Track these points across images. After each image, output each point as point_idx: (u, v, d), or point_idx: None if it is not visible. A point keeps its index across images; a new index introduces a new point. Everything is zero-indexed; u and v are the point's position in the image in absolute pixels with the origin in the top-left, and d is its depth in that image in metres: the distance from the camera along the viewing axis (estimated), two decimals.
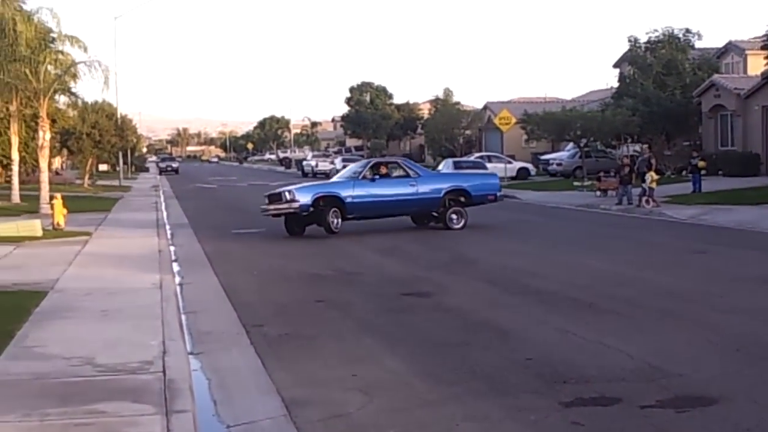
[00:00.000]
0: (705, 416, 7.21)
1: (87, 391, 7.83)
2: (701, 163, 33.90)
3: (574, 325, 10.70)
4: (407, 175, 23.71)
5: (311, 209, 22.17)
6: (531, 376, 8.51)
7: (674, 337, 10.08)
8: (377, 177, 23.20)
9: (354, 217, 22.87)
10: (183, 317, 11.97)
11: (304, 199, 22.07)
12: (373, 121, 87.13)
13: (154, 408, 7.26)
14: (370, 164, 24.62)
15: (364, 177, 23.21)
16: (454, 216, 23.45)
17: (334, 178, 26.10)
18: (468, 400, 7.82)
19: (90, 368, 8.67)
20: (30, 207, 30.71)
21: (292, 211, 22.28)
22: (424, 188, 23.43)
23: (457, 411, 7.51)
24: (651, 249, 19.26)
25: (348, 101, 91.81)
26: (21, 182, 35.58)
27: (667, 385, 8.05)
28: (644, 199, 29.50)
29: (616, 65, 55.29)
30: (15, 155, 33.85)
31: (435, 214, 23.66)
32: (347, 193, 22.53)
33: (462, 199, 23.94)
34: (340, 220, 22.25)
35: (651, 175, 29.75)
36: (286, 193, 22.50)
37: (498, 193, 25.18)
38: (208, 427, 7.32)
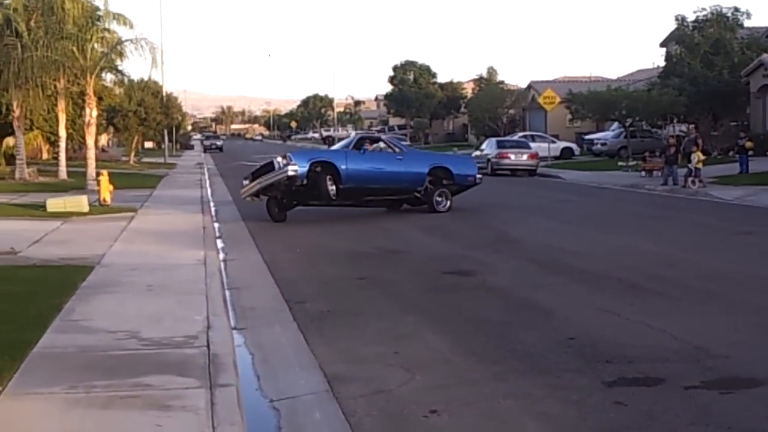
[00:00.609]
0: (749, 398, 7.15)
1: (132, 365, 7.94)
2: (748, 144, 33.39)
3: (617, 305, 10.64)
4: (393, 151, 22.85)
5: (306, 180, 20.48)
6: (573, 356, 8.48)
7: (719, 319, 9.98)
8: (365, 151, 22.03)
9: (345, 190, 21.09)
10: (227, 293, 12.09)
11: (301, 164, 20.44)
12: (417, 99, 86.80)
13: (198, 382, 7.34)
14: (357, 138, 23.99)
15: (354, 148, 22.16)
16: (439, 198, 22.54)
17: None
18: (510, 378, 7.82)
19: (135, 342, 8.79)
20: (77, 183, 31.07)
21: (286, 179, 20.39)
22: (410, 164, 22.39)
23: (499, 389, 7.51)
24: (696, 230, 19.06)
25: (391, 80, 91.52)
26: (68, 159, 36.00)
27: (711, 366, 7.98)
28: (690, 179, 29.19)
29: (663, 44, 54.59)
30: (62, 132, 34.23)
31: (418, 195, 22.64)
32: (341, 162, 21.11)
33: (444, 180, 22.91)
34: (335, 188, 20.83)
35: (697, 155, 29.42)
36: (280, 159, 20.74)
37: (477, 176, 23.99)
38: (251, 401, 7.38)
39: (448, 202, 22.58)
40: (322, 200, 20.91)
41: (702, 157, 29.90)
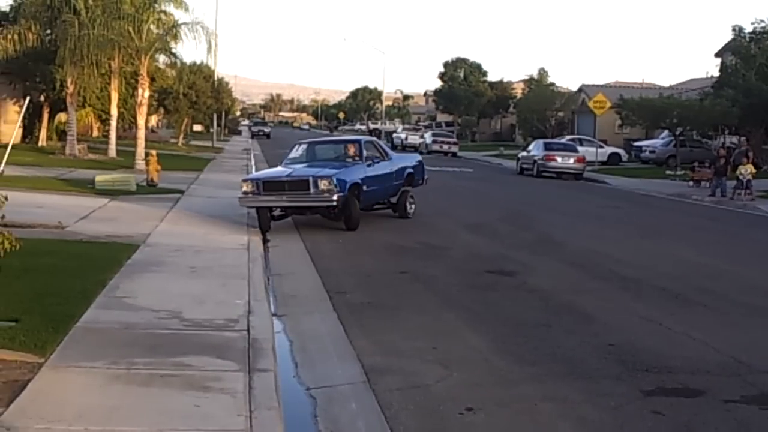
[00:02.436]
0: None
1: (173, 344, 8.03)
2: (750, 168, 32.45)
3: (659, 315, 10.54)
4: (383, 157, 20.08)
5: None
6: (613, 362, 8.42)
7: (762, 334, 9.87)
8: (372, 164, 19.14)
9: (361, 209, 18.41)
10: (269, 279, 12.16)
11: (343, 190, 17.23)
12: (466, 97, 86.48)
13: (237, 365, 7.41)
14: (348, 146, 20.05)
15: (355, 160, 18.97)
16: (408, 203, 20.39)
17: (297, 164, 19.24)
18: (547, 381, 7.79)
19: (177, 322, 8.88)
20: (125, 162, 31.41)
21: (325, 208, 17.51)
22: (395, 169, 20.22)
23: (536, 391, 7.48)
24: (743, 243, 18.83)
25: (441, 76, 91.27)
26: (118, 138, 36.36)
27: (752, 381, 7.89)
28: (741, 191, 28.91)
29: (717, 54, 53.87)
30: (114, 111, 34.59)
31: (393, 200, 20.16)
32: (363, 181, 18.25)
33: (410, 184, 20.90)
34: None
35: (749, 167, 29.09)
36: (321, 182, 17.07)
37: (425, 177, 22.05)
38: (288, 387, 7.43)
39: (413, 207, 20.57)
40: (348, 223, 17.67)
41: (753, 170, 29.53)
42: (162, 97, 50.97)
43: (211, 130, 64.50)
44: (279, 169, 19.24)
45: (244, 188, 17.48)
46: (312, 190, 17.05)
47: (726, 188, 30.04)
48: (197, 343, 8.08)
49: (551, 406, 7.13)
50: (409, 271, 13.35)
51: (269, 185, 17.42)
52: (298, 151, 20.03)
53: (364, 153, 19.21)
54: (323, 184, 17.01)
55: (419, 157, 23.14)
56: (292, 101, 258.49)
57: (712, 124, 45.52)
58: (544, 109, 67.92)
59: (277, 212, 18.08)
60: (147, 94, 32.20)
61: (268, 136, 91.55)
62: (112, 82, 34.29)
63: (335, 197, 16.92)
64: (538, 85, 77.02)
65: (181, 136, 55.79)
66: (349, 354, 8.62)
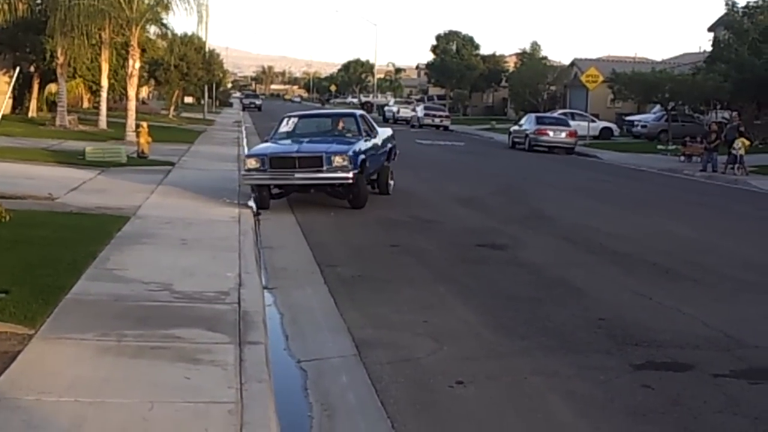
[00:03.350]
0: None
1: (163, 316, 8.01)
2: (745, 143, 32.40)
3: (649, 289, 10.57)
4: (371, 130, 19.26)
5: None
6: (603, 336, 8.45)
7: (752, 309, 9.89)
8: (369, 139, 18.42)
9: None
10: (259, 252, 12.14)
11: (356, 167, 16.42)
12: (458, 71, 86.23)
13: (228, 337, 7.40)
14: (343, 119, 19.63)
15: (354, 135, 18.24)
16: (389, 179, 19.68)
17: (290, 138, 18.44)
18: (538, 354, 7.81)
19: (167, 294, 8.86)
20: (116, 134, 31.29)
21: (339, 185, 16.63)
22: (382, 143, 19.55)
23: (526, 365, 7.50)
24: (733, 218, 18.88)
25: (434, 49, 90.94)
26: (108, 109, 36.23)
27: (741, 355, 7.93)
28: (734, 166, 28.99)
29: (710, 29, 53.80)
30: (104, 82, 34.42)
31: (373, 176, 18.83)
32: (366, 157, 17.22)
33: (388, 158, 20.15)
34: None
35: (742, 141, 29.16)
36: (335, 158, 16.23)
37: (397, 152, 21.26)
38: (279, 360, 7.43)
39: (393, 182, 19.88)
40: (356, 201, 16.84)
41: (746, 143, 29.59)
42: (153, 68, 50.73)
43: (202, 102, 64.36)
44: (281, 144, 17.83)
45: (249, 164, 16.47)
46: (325, 166, 16.16)
47: (717, 163, 30.09)
48: (188, 316, 8.06)
49: (541, 379, 7.15)
50: (400, 245, 13.35)
51: (278, 161, 16.37)
52: (288, 125, 19.06)
53: (362, 127, 18.66)
54: (338, 161, 16.18)
55: (391, 131, 22.32)
56: (283, 73, 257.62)
57: (704, 99, 45.55)
58: (537, 83, 67.82)
59: (275, 190, 17.10)
60: (138, 65, 32.05)
61: (259, 108, 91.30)
62: (102, 53, 34.09)
63: (351, 174, 16.16)
64: (530, 58, 76.81)
65: (172, 108, 55.57)
66: (339, 327, 8.62)
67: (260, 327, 7.87)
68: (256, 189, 16.60)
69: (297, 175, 16.37)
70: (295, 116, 19.82)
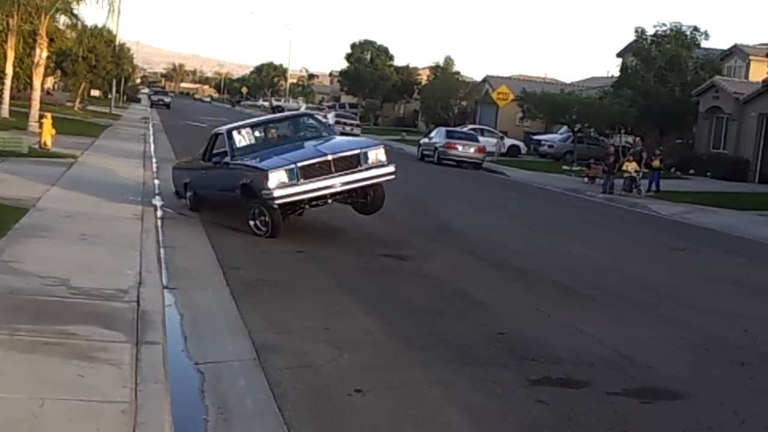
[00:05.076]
0: (668, 409, 7.27)
1: (59, 312, 7.81)
2: (656, 164, 33.24)
3: (549, 306, 10.74)
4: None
5: None
6: (501, 351, 8.54)
7: (647, 330, 10.13)
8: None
9: None
10: (161, 250, 11.94)
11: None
12: (371, 80, 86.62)
13: (124, 336, 7.25)
14: (305, 120, 18.02)
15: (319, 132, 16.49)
16: None
17: (258, 151, 15.27)
18: (437, 366, 7.86)
19: (64, 289, 8.64)
20: (18, 123, 30.47)
21: (384, 181, 15.07)
22: None
23: (426, 376, 7.54)
24: (632, 241, 19.33)
25: (348, 57, 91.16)
26: (11, 98, 35.24)
27: (634, 375, 8.10)
28: (634, 188, 29.90)
29: (619, 54, 55.14)
30: (9, 70, 33.48)
31: None
32: None
33: None
34: None
35: (633, 165, 30.26)
36: (371, 152, 14.70)
37: None
38: (176, 361, 7.31)
39: None
40: (375, 203, 15.52)
41: (637, 167, 30.54)
42: (60, 59, 49.68)
43: (110, 96, 63.22)
44: (276, 156, 14.56)
45: (276, 180, 13.68)
46: (363, 164, 14.44)
47: (613, 186, 30.86)
48: (84, 312, 7.87)
49: (439, 390, 7.19)
50: (305, 251, 13.29)
51: (310, 169, 13.98)
52: (246, 139, 15.68)
53: (325, 127, 17.31)
54: (374, 156, 14.67)
55: None
56: (194, 72, 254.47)
57: (609, 123, 46.65)
58: (448, 97, 68.52)
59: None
60: (45, 54, 31.35)
61: (168, 106, 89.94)
62: (8, 40, 33.16)
63: (393, 167, 14.89)
64: (443, 72, 77.56)
65: (78, 100, 54.49)
66: (240, 330, 8.53)
67: (158, 327, 7.73)
68: (268, 212, 14.00)
69: (337, 180, 14.15)
70: (245, 127, 16.36)
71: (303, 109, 78.33)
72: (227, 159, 15.35)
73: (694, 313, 11.26)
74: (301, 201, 14.26)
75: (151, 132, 40.74)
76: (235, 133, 15.71)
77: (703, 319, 10.95)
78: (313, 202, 14.66)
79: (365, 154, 14.56)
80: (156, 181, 20.36)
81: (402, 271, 12.43)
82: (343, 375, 7.34)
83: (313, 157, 14.28)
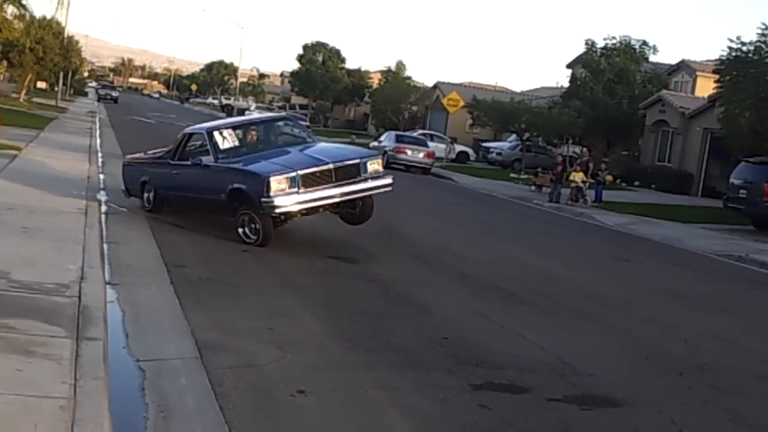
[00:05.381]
0: (607, 417, 7.34)
1: None
2: (608, 178, 33.45)
3: (494, 312, 10.79)
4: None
5: None
6: (445, 355, 8.56)
7: (589, 338, 10.22)
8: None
9: None
10: (105, 246, 11.80)
11: None
12: (322, 82, 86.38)
13: (65, 331, 7.14)
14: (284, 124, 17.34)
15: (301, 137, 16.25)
16: None
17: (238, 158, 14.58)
18: (381, 369, 7.85)
19: (4, 282, 8.50)
20: None
21: (380, 192, 14.87)
22: None
23: (369, 378, 7.53)
24: (577, 250, 19.50)
25: (300, 58, 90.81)
26: None
27: (575, 382, 8.16)
28: (580, 198, 30.18)
29: (569, 66, 55.72)
30: None
31: None
32: None
33: None
34: None
35: (579, 175, 30.55)
36: (370, 163, 14.46)
37: None
38: (117, 358, 7.23)
39: None
40: (364, 213, 15.28)
41: (584, 178, 30.87)
42: (6, 49, 48.85)
43: (57, 88, 62.36)
44: (268, 161, 14.07)
45: (277, 187, 13.17)
46: (362, 174, 14.15)
47: (559, 195, 31.12)
48: (24, 306, 7.74)
49: (382, 393, 7.19)
50: (250, 250, 13.22)
51: (311, 178, 13.54)
52: (229, 140, 14.93)
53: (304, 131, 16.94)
54: (373, 166, 14.39)
55: None
56: (143, 67, 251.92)
57: (558, 133, 47.08)
58: (399, 101, 68.54)
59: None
60: None
61: (115, 100, 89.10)
62: None
63: (390, 179, 14.70)
64: (394, 77, 77.68)
65: (24, 92, 53.67)
66: (183, 328, 8.46)
67: (100, 323, 7.63)
68: (260, 219, 13.47)
69: (337, 191, 13.82)
70: (228, 128, 15.59)
71: (253, 109, 78.04)
72: (208, 161, 14.56)
73: (635, 323, 11.39)
74: (300, 211, 13.80)
75: (97, 126, 40.27)
76: (216, 133, 14.96)
77: (644, 329, 11.07)
78: (305, 212, 14.14)
79: (364, 164, 14.22)
80: (101, 176, 20.14)
81: (348, 274, 12.41)
82: (286, 376, 7.31)
83: (314, 165, 13.78)
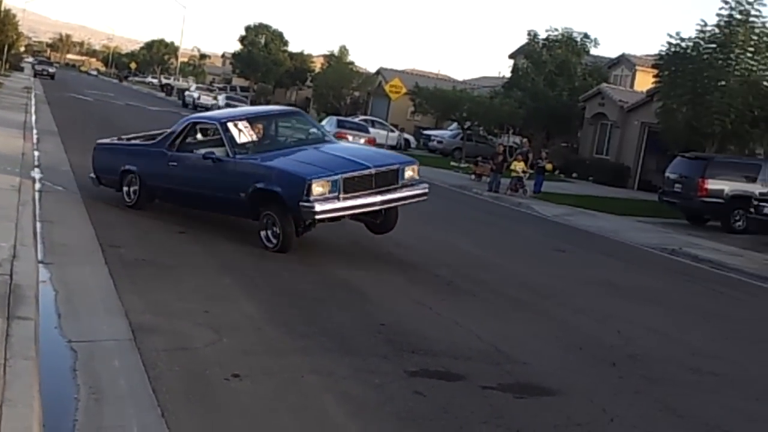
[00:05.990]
0: (541, 405, 7.41)
1: None
2: (549, 166, 33.80)
3: (431, 300, 10.83)
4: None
5: None
6: (381, 341, 8.57)
7: (524, 327, 10.31)
8: None
9: None
10: (38, 225, 11.60)
11: None
12: (264, 64, 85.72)
13: None
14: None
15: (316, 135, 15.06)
16: None
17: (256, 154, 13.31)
18: (316, 354, 7.84)
19: None
20: None
21: (418, 201, 14.04)
22: None
23: (304, 363, 7.51)
24: (515, 240, 19.67)
25: (242, 40, 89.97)
26: None
27: (510, 370, 8.23)
28: (519, 189, 30.43)
29: (512, 56, 56.05)
30: None
31: None
32: None
33: None
34: None
35: (520, 165, 30.82)
36: (408, 170, 13.56)
37: None
38: (48, 338, 7.12)
39: None
40: (388, 222, 14.17)
41: (524, 168, 31.13)
42: None
43: None
44: (309, 160, 13.01)
45: (320, 189, 12.13)
46: (400, 181, 13.17)
47: (499, 185, 31.33)
48: None
49: (317, 378, 7.17)
50: (187, 232, 13.11)
51: (351, 183, 12.46)
52: (245, 134, 13.57)
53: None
54: (410, 173, 13.46)
55: None
56: (82, 44, 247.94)
57: (499, 122, 47.36)
58: (341, 86, 68.39)
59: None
60: None
61: (52, 77, 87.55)
62: None
63: (426, 187, 13.88)
64: (337, 62, 77.35)
65: None
66: (117, 310, 8.35)
67: (32, 302, 7.51)
68: (282, 223, 12.44)
69: (378, 198, 12.80)
70: (242, 119, 14.02)
71: (193, 89, 77.20)
72: (225, 155, 13.28)
73: (570, 313, 11.52)
74: (337, 218, 12.90)
75: (33, 102, 39.54)
76: (231, 125, 13.59)
77: (578, 319, 11.21)
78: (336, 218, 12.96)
79: (402, 170, 13.28)
80: (36, 153, 19.79)
81: (285, 258, 12.34)
82: (220, 359, 7.26)
83: (355, 169, 12.66)
